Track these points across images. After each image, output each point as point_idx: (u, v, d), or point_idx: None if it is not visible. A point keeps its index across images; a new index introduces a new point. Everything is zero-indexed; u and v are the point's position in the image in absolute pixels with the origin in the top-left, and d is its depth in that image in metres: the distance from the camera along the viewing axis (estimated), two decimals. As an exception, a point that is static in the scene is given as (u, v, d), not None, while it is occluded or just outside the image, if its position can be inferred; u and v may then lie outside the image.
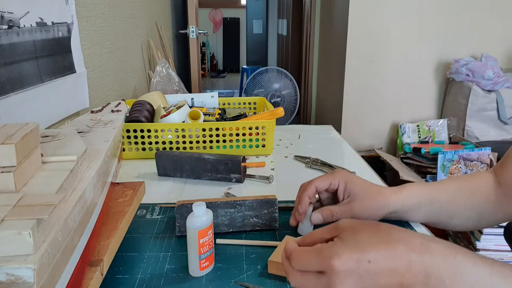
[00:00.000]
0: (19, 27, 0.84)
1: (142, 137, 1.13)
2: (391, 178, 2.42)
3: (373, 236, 0.42)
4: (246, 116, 1.29)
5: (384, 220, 0.70)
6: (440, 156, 2.06)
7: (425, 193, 0.71)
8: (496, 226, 1.68)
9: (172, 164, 1.00)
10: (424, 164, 2.18)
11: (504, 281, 0.40)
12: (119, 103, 0.93)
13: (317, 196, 0.74)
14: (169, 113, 1.18)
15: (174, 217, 0.75)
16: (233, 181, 0.98)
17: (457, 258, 0.41)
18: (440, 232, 1.97)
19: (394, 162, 2.34)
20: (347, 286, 0.40)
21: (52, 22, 0.99)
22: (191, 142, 1.14)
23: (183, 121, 1.19)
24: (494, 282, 0.40)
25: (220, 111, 1.34)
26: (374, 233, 0.42)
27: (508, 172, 0.68)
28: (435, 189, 0.71)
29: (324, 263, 0.41)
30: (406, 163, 2.33)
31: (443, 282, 0.40)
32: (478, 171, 2.10)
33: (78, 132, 0.65)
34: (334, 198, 0.74)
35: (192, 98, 1.44)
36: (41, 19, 0.93)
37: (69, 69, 1.08)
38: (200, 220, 0.60)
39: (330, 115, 3.00)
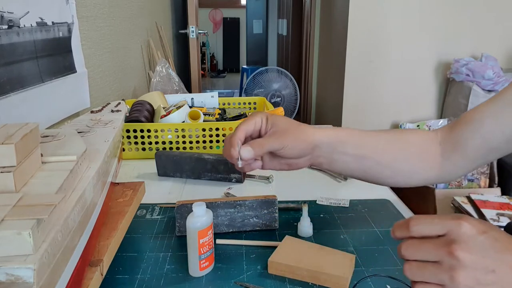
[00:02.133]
0: (19, 27, 0.84)
1: (142, 137, 1.13)
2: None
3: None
4: (246, 116, 1.29)
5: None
6: (440, 156, 2.06)
7: (353, 133, 0.65)
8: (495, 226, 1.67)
9: (172, 164, 1.00)
10: (424, 164, 2.18)
11: None
12: (119, 103, 0.93)
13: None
14: (169, 113, 1.18)
15: (174, 217, 0.75)
16: (233, 181, 0.98)
17: None
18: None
19: (394, 162, 2.34)
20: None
21: (53, 22, 0.98)
22: (191, 142, 1.14)
23: (183, 121, 1.19)
24: None
25: (220, 111, 1.34)
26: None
27: (457, 131, 0.64)
28: (366, 133, 0.66)
29: (452, 225, 0.39)
30: (406, 163, 2.33)
31: None
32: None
33: (78, 132, 0.65)
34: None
35: (192, 98, 1.44)
36: (41, 19, 0.93)
37: (70, 69, 1.08)
38: (200, 220, 0.60)
39: (330, 115, 3.00)
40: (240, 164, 0.61)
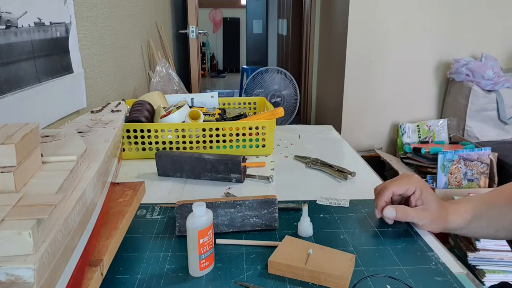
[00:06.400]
0: (17, 27, 0.84)
1: (142, 137, 1.13)
2: (391, 178, 2.42)
3: None
4: (246, 116, 1.29)
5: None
6: (440, 156, 2.06)
7: (478, 207, 0.74)
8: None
9: (172, 164, 1.00)
10: (424, 164, 2.18)
11: None
12: (119, 103, 0.93)
13: None
14: (169, 113, 1.18)
15: (174, 217, 0.75)
16: (233, 181, 0.98)
17: None
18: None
19: (394, 162, 2.34)
20: None
21: (50, 22, 0.98)
22: (191, 142, 1.14)
23: (183, 121, 1.19)
24: None
25: (220, 111, 1.34)
26: None
27: None
28: (487, 204, 0.74)
29: None
30: (406, 163, 2.33)
31: None
32: None
33: (78, 132, 0.65)
34: (402, 200, 0.78)
35: (192, 98, 1.44)
36: (39, 19, 0.93)
37: (67, 69, 1.08)
38: (200, 220, 0.60)
39: (330, 115, 3.00)
40: (378, 216, 0.76)
